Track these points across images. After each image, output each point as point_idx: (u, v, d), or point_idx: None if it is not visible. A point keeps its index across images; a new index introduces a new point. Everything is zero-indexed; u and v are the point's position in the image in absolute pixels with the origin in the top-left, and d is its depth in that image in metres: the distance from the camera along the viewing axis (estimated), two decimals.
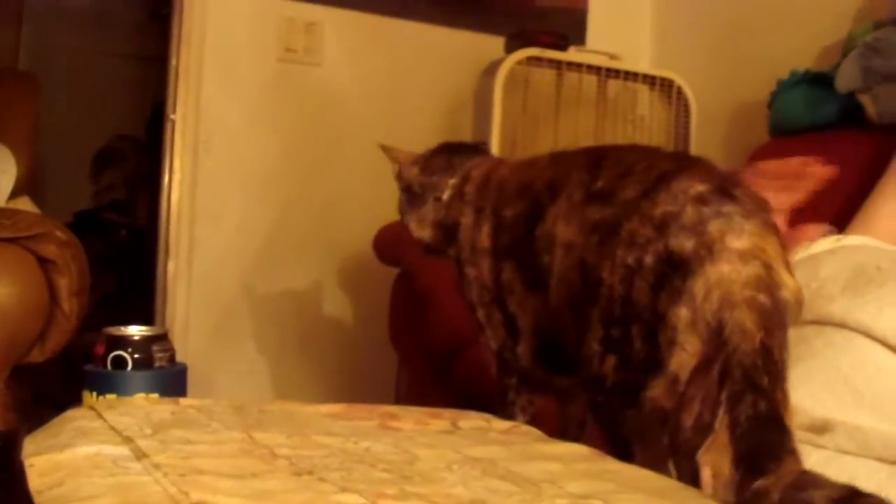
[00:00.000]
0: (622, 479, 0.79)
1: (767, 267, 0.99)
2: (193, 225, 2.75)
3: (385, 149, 1.60)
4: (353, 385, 2.85)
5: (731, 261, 0.98)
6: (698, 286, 0.98)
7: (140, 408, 0.97)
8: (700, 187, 1.03)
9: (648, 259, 1.02)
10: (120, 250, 4.09)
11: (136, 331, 1.30)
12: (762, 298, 0.96)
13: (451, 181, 1.44)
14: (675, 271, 0.99)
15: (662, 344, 1.00)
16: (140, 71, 4.16)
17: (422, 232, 1.49)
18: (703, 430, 1.07)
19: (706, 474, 1.09)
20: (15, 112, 2.64)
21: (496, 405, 1.33)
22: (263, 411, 1.01)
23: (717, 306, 0.97)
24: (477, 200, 1.38)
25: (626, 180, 1.10)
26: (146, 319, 2.73)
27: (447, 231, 1.43)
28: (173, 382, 1.29)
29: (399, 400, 2.67)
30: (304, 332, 2.87)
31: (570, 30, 2.81)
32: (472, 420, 1.02)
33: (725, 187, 1.04)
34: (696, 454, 1.07)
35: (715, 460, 1.10)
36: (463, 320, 2.00)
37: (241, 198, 2.80)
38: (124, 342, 1.27)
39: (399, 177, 1.56)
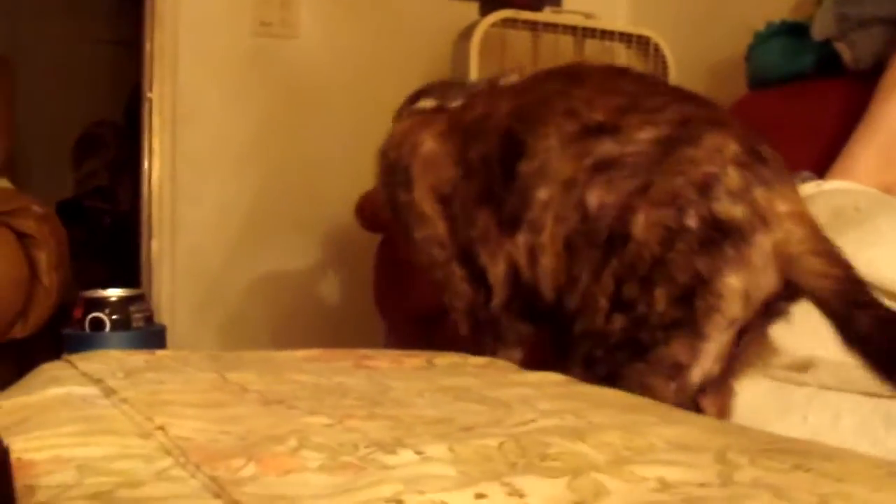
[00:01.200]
0: (594, 399, 0.78)
1: (813, 227, 1.00)
2: (175, 203, 2.73)
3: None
4: None
5: (783, 225, 0.98)
6: (756, 255, 0.97)
7: (114, 358, 0.96)
8: (734, 146, 1.01)
9: (691, 222, 0.99)
10: (104, 237, 4.07)
11: (112, 292, 1.30)
12: (821, 246, 0.98)
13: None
14: (725, 238, 0.98)
15: (699, 308, 0.99)
16: (117, 56, 4.14)
17: (379, 179, 1.47)
18: (712, 383, 1.07)
19: (706, 408, 1.09)
20: None
21: None
22: (239, 357, 1.00)
23: (777, 270, 0.97)
24: (399, 160, 1.33)
25: (633, 117, 1.06)
26: None
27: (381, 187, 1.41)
28: (151, 342, 1.29)
29: None
30: (290, 306, 2.86)
31: None
32: (448, 357, 1.02)
33: (755, 147, 1.03)
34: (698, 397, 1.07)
35: (715, 401, 1.10)
36: None
37: (222, 174, 2.78)
38: (101, 304, 1.27)
39: None
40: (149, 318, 1.30)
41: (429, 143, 1.28)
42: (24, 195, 1.93)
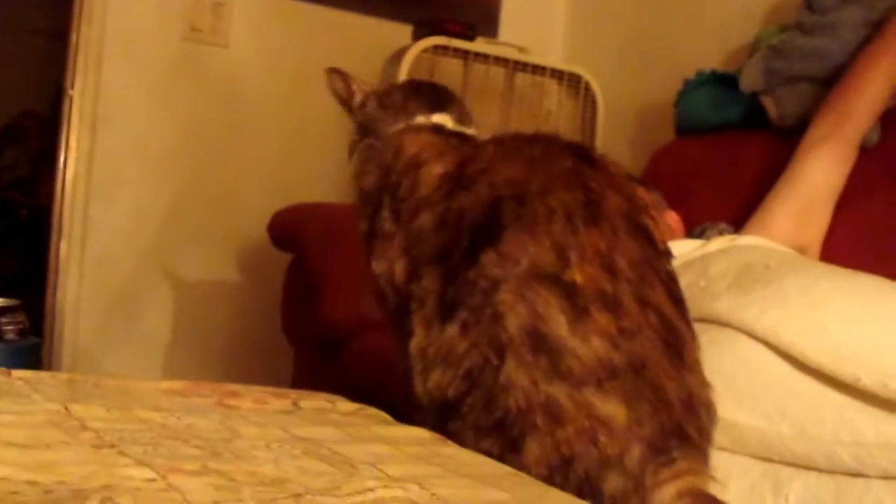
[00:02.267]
0: (452, 465, 0.74)
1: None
2: (88, 204, 2.66)
3: (337, 74, 1.31)
4: (249, 375, 2.78)
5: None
6: None
7: None
8: (654, 425, 0.94)
9: (573, 484, 0.91)
10: (20, 230, 3.97)
11: None
12: None
13: (390, 129, 1.21)
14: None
15: None
16: (48, 47, 4.04)
17: (366, 180, 1.21)
18: None
19: None
20: None
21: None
22: (98, 385, 0.95)
23: None
24: (395, 183, 1.15)
25: (604, 313, 0.92)
26: (43, 300, 2.65)
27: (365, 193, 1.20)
28: (22, 357, 1.23)
29: (294, 388, 2.61)
30: (198, 319, 2.80)
31: (483, 21, 2.78)
32: (317, 401, 0.97)
33: (681, 427, 0.96)
34: None
35: None
36: (353, 307, 1.97)
37: (139, 178, 2.71)
38: None
39: (355, 109, 1.30)
40: (21, 331, 1.24)
41: (429, 186, 1.11)
42: None
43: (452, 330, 0.96)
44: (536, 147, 1.08)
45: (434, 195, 1.08)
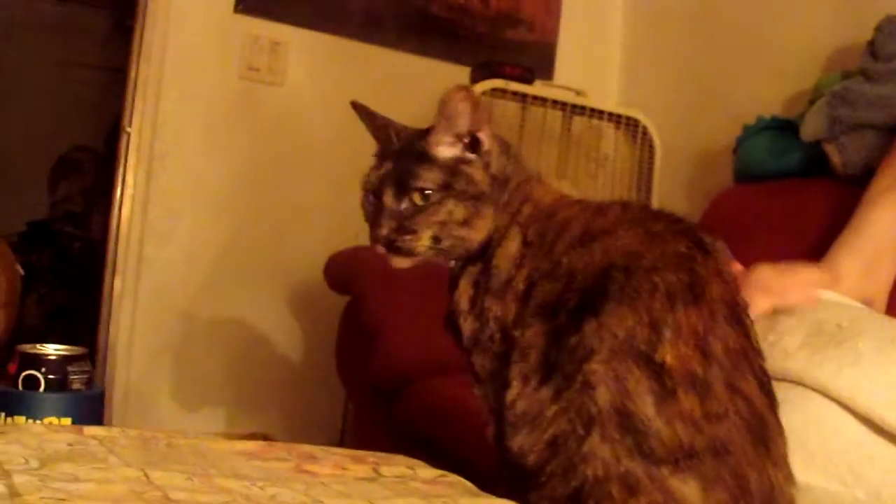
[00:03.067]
0: None
1: None
2: (143, 242, 2.67)
3: (471, 97, 1.13)
4: (300, 416, 2.78)
5: None
6: None
7: (35, 436, 0.90)
8: None
9: None
10: (73, 264, 4.01)
11: (51, 350, 1.23)
12: None
13: (516, 181, 1.15)
14: None
15: None
16: (104, 82, 4.09)
17: (481, 234, 1.11)
18: None
19: None
20: None
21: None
22: (172, 445, 0.94)
23: None
24: (526, 226, 1.11)
25: (691, 396, 0.92)
26: (94, 335, 2.66)
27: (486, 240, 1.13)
28: (89, 407, 1.22)
29: (344, 434, 2.60)
30: (251, 359, 2.79)
31: (539, 64, 2.77)
32: (397, 467, 0.95)
33: None
34: None
35: None
36: (409, 354, 1.95)
37: (194, 216, 2.73)
38: (38, 361, 1.20)
39: (487, 154, 1.13)
40: (88, 381, 1.23)
41: (553, 234, 1.09)
42: None
43: (546, 392, 0.96)
44: (659, 223, 1.06)
45: (554, 242, 1.07)
